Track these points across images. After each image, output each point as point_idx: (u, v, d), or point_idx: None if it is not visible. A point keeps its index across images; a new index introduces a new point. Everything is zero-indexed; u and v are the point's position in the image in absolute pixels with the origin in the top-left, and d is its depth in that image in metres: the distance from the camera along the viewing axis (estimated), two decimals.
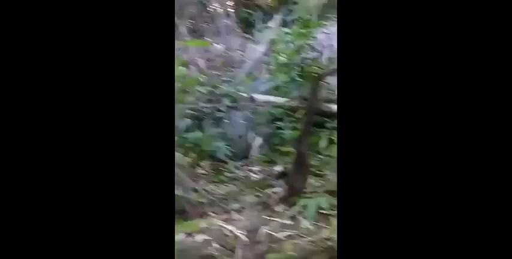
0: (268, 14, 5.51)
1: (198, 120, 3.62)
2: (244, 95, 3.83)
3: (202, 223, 2.23)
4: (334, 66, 3.29)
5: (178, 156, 2.97)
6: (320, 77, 2.72)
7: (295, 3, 5.18)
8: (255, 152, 3.57)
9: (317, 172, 2.82)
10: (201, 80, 3.97)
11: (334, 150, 2.95)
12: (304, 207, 2.27)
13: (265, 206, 2.49)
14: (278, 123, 3.65)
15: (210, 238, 2.10)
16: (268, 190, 2.78)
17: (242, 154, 3.54)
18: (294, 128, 3.43)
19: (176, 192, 2.35)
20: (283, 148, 3.36)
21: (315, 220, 2.20)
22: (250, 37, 5.12)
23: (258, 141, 3.62)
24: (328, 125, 3.35)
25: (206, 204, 2.56)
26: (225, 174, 3.24)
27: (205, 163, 3.35)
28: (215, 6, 5.51)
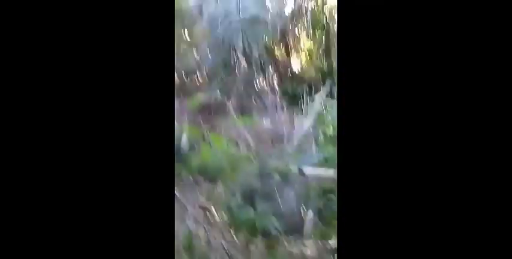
0: (314, 87, 5.68)
1: (249, 197, 3.70)
2: (294, 169, 3.91)
3: None
4: None
5: (229, 232, 3.04)
6: None
7: None
8: (308, 227, 3.59)
9: None
10: (251, 156, 4.10)
11: None
12: None
13: None
14: (330, 195, 3.68)
15: None
16: None
17: (295, 229, 3.56)
18: None
19: None
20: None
21: None
22: (297, 111, 5.27)
23: (311, 215, 3.65)
24: None
25: None
26: (279, 250, 3.27)
27: (258, 239, 3.39)
28: (260, 82, 5.77)
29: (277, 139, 4.76)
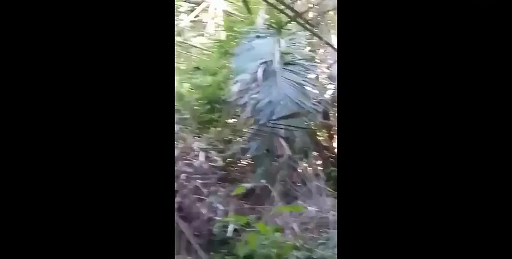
0: None
1: None
2: None
3: None
4: None
5: None
6: None
7: None
8: None
9: None
10: (297, 244, 4.24)
11: None
12: None
13: None
14: None
15: None
16: None
17: None
18: None
19: None
20: None
21: None
22: None
23: None
24: None
25: None
26: None
27: None
28: (304, 168, 5.95)
29: (323, 225, 4.86)
